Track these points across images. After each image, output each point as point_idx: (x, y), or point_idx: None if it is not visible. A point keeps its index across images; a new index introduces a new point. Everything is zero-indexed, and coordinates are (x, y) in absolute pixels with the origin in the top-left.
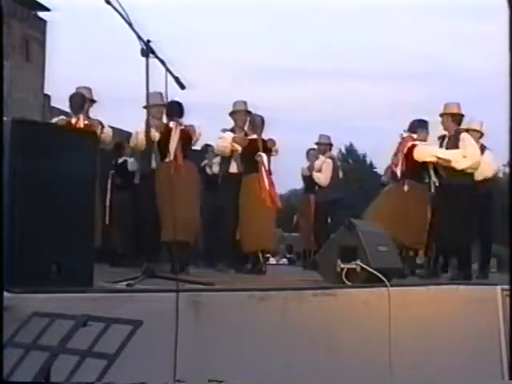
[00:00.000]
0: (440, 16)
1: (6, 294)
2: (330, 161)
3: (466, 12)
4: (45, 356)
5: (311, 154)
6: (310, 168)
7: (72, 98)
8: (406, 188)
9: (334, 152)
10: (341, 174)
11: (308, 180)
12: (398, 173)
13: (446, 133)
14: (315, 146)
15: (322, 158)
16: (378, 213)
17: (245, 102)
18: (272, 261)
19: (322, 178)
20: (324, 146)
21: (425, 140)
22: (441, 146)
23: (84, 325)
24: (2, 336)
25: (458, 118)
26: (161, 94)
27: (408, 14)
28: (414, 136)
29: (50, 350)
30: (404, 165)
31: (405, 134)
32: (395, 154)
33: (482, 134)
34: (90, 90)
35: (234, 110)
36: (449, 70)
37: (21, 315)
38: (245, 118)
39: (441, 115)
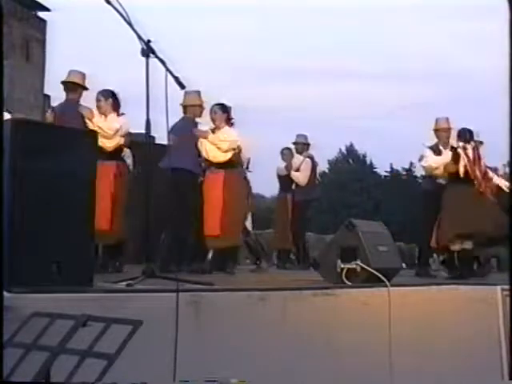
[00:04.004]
0: (440, 16)
1: (5, 294)
2: (309, 160)
3: (466, 12)
4: (45, 356)
5: (285, 154)
6: (288, 167)
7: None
8: (480, 191)
9: (313, 151)
10: (318, 175)
11: (284, 179)
12: (477, 177)
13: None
14: (291, 146)
15: (299, 157)
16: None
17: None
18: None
19: (301, 177)
20: (301, 145)
21: None
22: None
23: (84, 325)
24: (2, 336)
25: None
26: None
27: (408, 14)
28: (473, 144)
29: (50, 350)
30: (476, 171)
31: (472, 144)
32: (455, 162)
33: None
34: (83, 75)
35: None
36: (449, 70)
37: (21, 315)
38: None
39: (439, 129)
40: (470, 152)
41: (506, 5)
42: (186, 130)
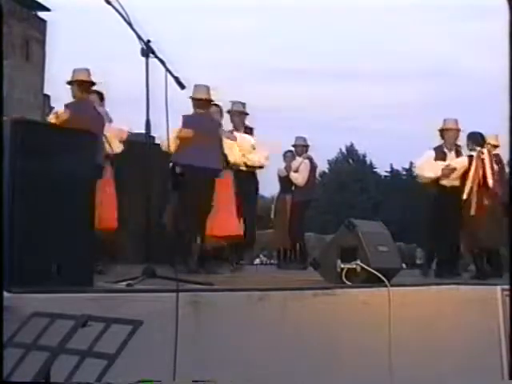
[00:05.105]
0: (440, 16)
1: (5, 294)
2: (307, 161)
3: (466, 12)
4: (45, 356)
5: (287, 156)
6: (288, 168)
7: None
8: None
9: (312, 153)
10: (318, 175)
11: (284, 180)
12: (494, 184)
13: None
14: (292, 148)
15: (298, 158)
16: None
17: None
18: (257, 261)
19: (300, 178)
20: (300, 147)
21: None
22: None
23: (84, 325)
24: (1, 336)
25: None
26: None
27: (408, 14)
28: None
29: (50, 350)
30: (496, 175)
31: (487, 148)
32: (475, 170)
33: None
34: (88, 71)
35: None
36: (449, 69)
37: (21, 315)
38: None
39: (447, 129)
40: (486, 157)
41: (506, 5)
42: (205, 127)
